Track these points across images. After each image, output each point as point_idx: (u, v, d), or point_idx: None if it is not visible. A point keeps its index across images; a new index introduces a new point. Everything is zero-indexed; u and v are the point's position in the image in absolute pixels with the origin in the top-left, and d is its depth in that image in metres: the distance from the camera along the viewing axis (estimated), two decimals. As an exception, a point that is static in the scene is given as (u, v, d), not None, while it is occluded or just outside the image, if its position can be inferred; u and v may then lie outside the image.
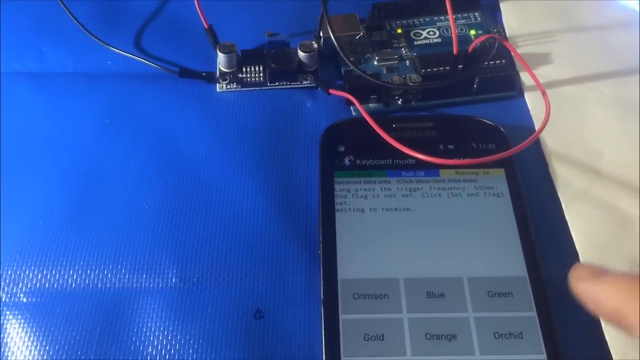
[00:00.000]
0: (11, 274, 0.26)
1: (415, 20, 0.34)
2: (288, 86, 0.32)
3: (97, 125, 0.30)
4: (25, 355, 0.24)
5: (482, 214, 0.25)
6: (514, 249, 0.24)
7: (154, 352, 0.24)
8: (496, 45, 0.30)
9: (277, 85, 0.32)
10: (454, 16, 0.29)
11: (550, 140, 0.29)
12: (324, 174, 0.27)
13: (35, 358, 0.24)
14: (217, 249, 0.26)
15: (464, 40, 0.32)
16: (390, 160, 0.27)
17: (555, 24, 0.34)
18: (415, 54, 0.32)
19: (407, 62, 0.32)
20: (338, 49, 0.30)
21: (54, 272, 0.26)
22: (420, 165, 0.26)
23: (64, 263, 0.26)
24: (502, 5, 0.35)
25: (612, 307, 0.18)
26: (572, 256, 0.25)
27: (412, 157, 0.26)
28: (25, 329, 0.24)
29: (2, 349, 0.24)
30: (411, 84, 0.30)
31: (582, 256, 0.25)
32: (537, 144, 0.29)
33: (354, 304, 0.23)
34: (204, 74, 0.32)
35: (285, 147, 0.29)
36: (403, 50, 0.33)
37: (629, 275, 0.18)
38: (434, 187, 0.26)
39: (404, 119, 0.29)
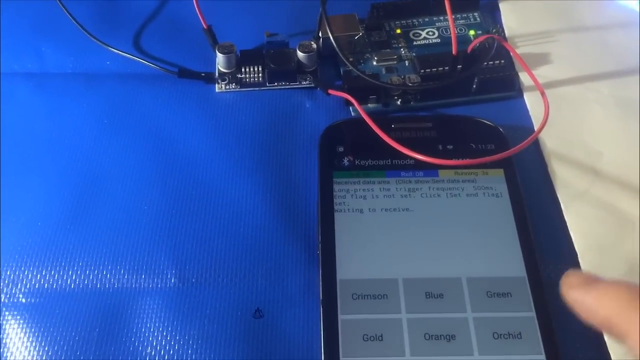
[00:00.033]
0: (10, 275, 0.26)
1: (414, 20, 0.34)
2: (287, 86, 0.32)
3: (96, 125, 0.30)
4: (24, 356, 0.24)
5: (481, 214, 0.25)
6: (513, 250, 0.24)
7: (152, 353, 0.24)
8: (495, 45, 0.30)
9: (276, 86, 0.32)
10: (453, 16, 0.29)
11: (550, 141, 0.29)
12: (323, 174, 0.27)
13: (34, 358, 0.24)
14: (216, 249, 0.26)
15: (463, 40, 0.32)
16: (389, 160, 0.27)
17: (554, 24, 0.34)
18: (414, 54, 0.32)
19: (407, 63, 0.32)
20: (337, 49, 0.30)
21: (52, 272, 0.26)
22: (419, 165, 0.26)
23: (62, 263, 0.26)
24: (502, 6, 0.35)
25: (603, 315, 0.18)
26: (571, 256, 0.25)
27: (411, 158, 0.26)
28: (24, 330, 0.24)
29: (1, 350, 0.24)
30: (410, 84, 0.30)
31: (581, 256, 0.25)
32: (536, 144, 0.29)
33: (353, 304, 0.23)
34: (203, 75, 0.32)
35: (284, 147, 0.29)
36: (402, 51, 0.33)
37: (621, 284, 0.18)
38: (433, 187, 0.26)
39: (403, 119, 0.29)
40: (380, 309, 0.23)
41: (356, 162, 0.27)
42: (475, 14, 0.34)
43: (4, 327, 0.24)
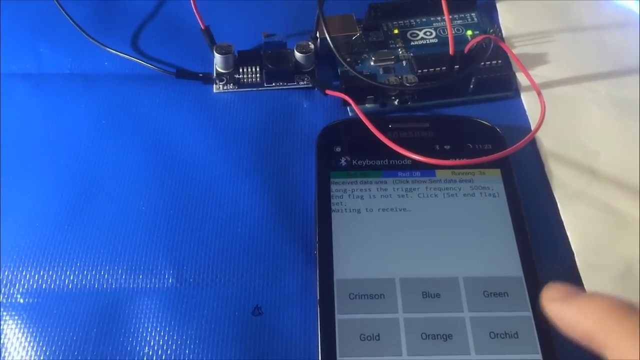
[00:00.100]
0: (8, 275, 0.26)
1: (411, 20, 0.34)
2: (285, 87, 0.32)
3: (94, 126, 0.30)
4: (22, 356, 0.24)
5: (478, 214, 0.25)
6: (510, 249, 0.24)
7: (150, 353, 0.24)
8: (492, 45, 0.30)
9: (273, 86, 0.32)
10: (450, 16, 0.29)
11: (547, 141, 0.29)
12: (321, 174, 0.27)
13: (32, 358, 0.24)
14: (213, 249, 0.26)
15: (461, 40, 0.33)
16: (387, 160, 0.27)
17: (552, 24, 0.34)
18: (411, 54, 0.32)
19: (404, 63, 0.32)
20: (334, 50, 0.30)
21: (50, 272, 0.26)
22: (416, 165, 0.26)
23: (60, 264, 0.26)
24: (499, 6, 0.35)
25: (583, 329, 0.18)
26: (567, 256, 0.25)
27: (408, 158, 0.26)
28: (22, 330, 0.24)
29: (0, 350, 0.24)
30: (408, 84, 0.30)
31: (578, 256, 0.25)
32: (533, 144, 0.29)
33: (350, 304, 0.23)
34: (201, 75, 0.32)
35: (282, 147, 0.29)
36: (400, 51, 0.33)
37: (601, 297, 0.18)
38: (430, 187, 0.26)
39: (400, 119, 0.29)
40: (377, 309, 0.23)
41: (353, 162, 0.27)
42: (473, 14, 0.34)
43: (2, 327, 0.24)
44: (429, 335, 0.22)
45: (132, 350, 0.24)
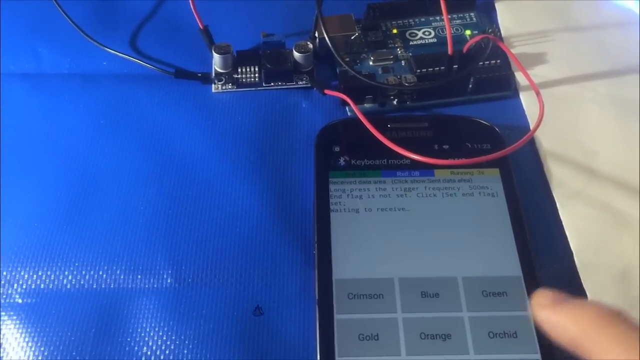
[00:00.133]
0: (6, 275, 0.26)
1: (410, 20, 0.34)
2: (283, 87, 0.32)
3: (93, 126, 0.30)
4: (20, 356, 0.24)
5: (477, 213, 0.25)
6: (509, 249, 0.24)
7: (148, 353, 0.24)
8: (491, 45, 0.30)
9: (272, 86, 0.32)
10: (449, 16, 0.29)
11: (546, 140, 0.29)
12: (319, 174, 0.27)
13: (31, 358, 0.24)
14: (212, 249, 0.26)
15: (460, 40, 0.33)
16: (385, 160, 0.27)
17: (551, 23, 0.34)
18: (410, 54, 0.32)
19: (403, 63, 0.32)
20: (332, 50, 0.30)
21: (49, 272, 0.26)
22: (415, 165, 0.26)
23: (59, 264, 0.26)
24: (498, 5, 0.35)
25: (570, 336, 0.18)
26: (566, 256, 0.25)
27: (407, 157, 0.26)
28: (20, 330, 0.24)
29: (-2, 350, 0.24)
30: (406, 84, 0.30)
31: (577, 256, 0.25)
32: (532, 144, 0.29)
33: (348, 304, 0.23)
34: (200, 75, 0.32)
35: (281, 147, 0.29)
36: (398, 51, 0.33)
37: (589, 304, 0.19)
38: (429, 187, 0.26)
39: (399, 119, 0.29)
40: (376, 309, 0.23)
41: (352, 162, 0.27)
42: (472, 13, 0.34)
43: (0, 327, 0.24)
44: (427, 335, 0.22)
45: (130, 351, 0.24)
